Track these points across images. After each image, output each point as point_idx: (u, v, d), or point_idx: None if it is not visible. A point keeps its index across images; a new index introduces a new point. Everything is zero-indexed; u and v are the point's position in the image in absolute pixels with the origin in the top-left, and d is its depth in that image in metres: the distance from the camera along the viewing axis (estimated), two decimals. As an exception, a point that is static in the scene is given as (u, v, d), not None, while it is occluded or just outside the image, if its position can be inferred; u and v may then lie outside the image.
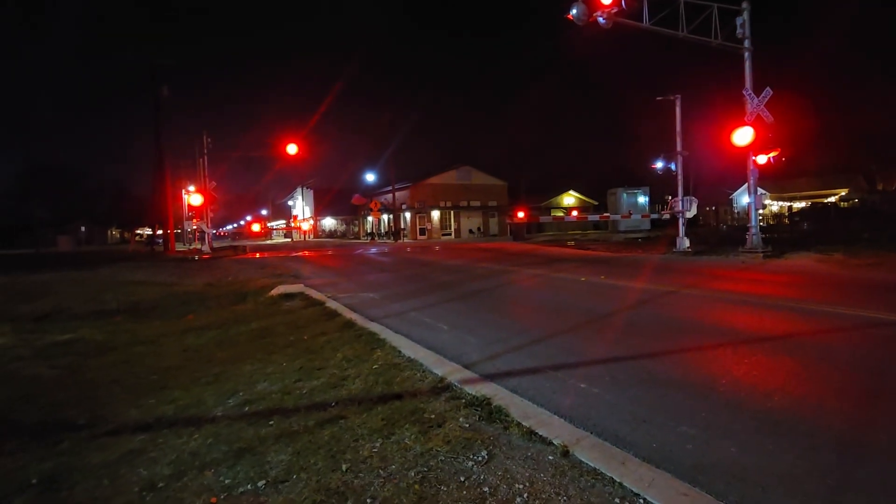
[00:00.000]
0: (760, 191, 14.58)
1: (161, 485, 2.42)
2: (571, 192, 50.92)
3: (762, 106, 13.34)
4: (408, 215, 43.60)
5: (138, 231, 61.28)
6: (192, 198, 24.33)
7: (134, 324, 6.95)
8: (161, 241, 30.60)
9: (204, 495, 2.30)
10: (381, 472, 2.41)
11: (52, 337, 6.03)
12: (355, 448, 2.66)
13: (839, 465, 2.41)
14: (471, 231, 43.87)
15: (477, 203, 44.65)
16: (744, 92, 13.81)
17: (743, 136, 13.26)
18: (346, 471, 2.43)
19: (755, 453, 2.54)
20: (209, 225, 26.84)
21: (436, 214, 43.27)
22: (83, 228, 58.60)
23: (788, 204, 40.30)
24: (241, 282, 11.48)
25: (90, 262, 20.39)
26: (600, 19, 12.73)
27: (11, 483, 2.51)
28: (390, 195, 41.16)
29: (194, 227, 28.33)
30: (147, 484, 2.44)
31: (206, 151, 26.55)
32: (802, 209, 35.44)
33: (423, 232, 42.71)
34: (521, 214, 25.11)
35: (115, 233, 66.67)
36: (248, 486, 2.35)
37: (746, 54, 14.06)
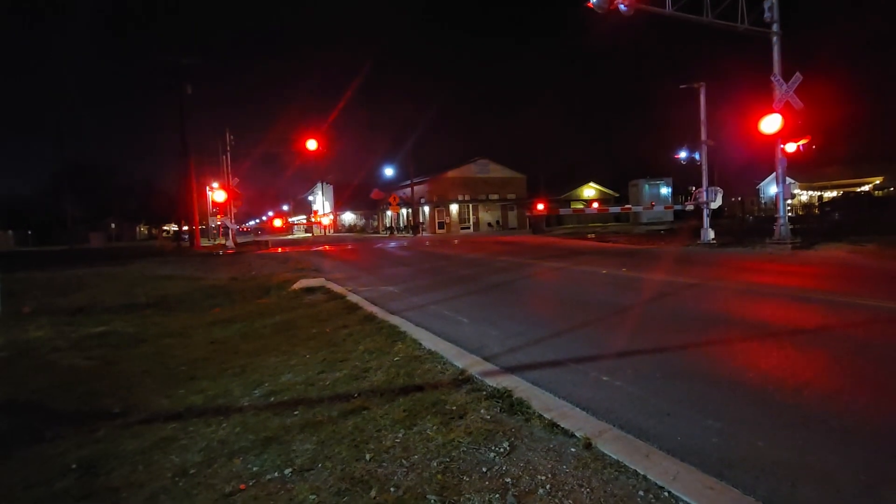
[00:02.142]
0: (789, 180, 14.11)
1: (192, 471, 2.51)
2: (592, 183, 50.18)
3: (791, 92, 12.89)
4: (426, 209, 43.65)
5: (165, 227, 62.96)
6: (216, 194, 24.85)
7: (163, 317, 7.17)
8: (187, 236, 31.36)
9: (233, 482, 2.37)
10: (404, 461, 2.44)
11: (87, 329, 6.26)
12: (378, 438, 2.70)
13: (873, 460, 2.34)
14: (489, 224, 43.69)
15: (495, 196, 44.40)
16: (772, 78, 13.36)
17: (771, 123, 12.86)
18: (370, 460, 2.47)
19: (784, 448, 2.49)
20: (233, 221, 27.37)
21: (454, 208, 43.20)
22: (113, 225, 60.47)
23: (819, 193, 38.97)
24: (264, 276, 11.69)
25: (120, 257, 21.06)
26: (621, 6, 12.42)
27: (53, 468, 2.63)
28: (409, 189, 41.29)
29: (219, 223, 28.94)
30: (179, 470, 2.52)
31: (228, 149, 27.04)
32: (834, 199, 34.21)
33: (441, 226, 42.72)
34: (540, 207, 24.87)
35: (144, 229, 68.57)
36: (276, 474, 2.41)
37: (775, 39, 13.59)
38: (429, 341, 4.68)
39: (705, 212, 16.51)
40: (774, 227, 13.92)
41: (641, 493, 2.09)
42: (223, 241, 29.30)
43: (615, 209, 27.38)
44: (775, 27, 13.59)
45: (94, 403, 3.65)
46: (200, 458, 2.65)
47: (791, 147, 13.18)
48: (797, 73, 12.97)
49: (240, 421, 3.11)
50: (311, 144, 24.13)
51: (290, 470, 2.44)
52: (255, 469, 2.48)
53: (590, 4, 12.27)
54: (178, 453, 2.73)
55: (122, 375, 4.34)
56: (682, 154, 18.64)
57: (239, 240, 31.83)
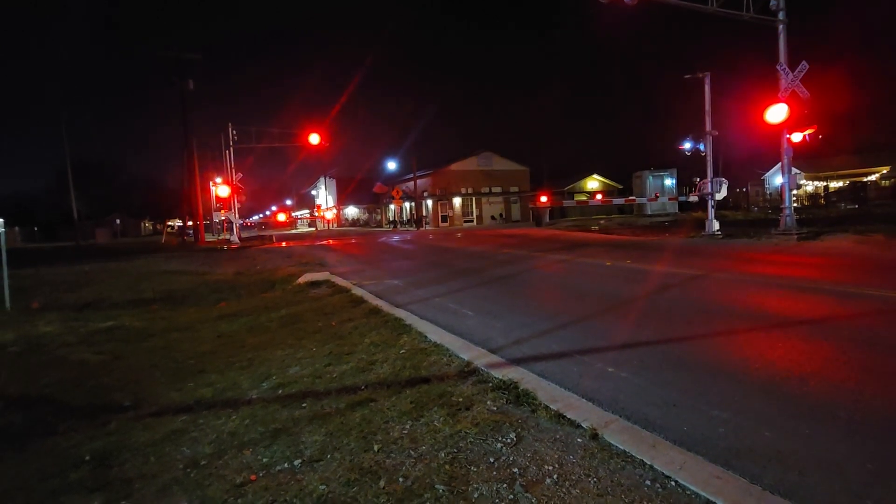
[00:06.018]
0: (794, 170, 14.00)
1: (203, 462, 2.54)
2: (595, 175, 49.88)
3: (798, 81, 12.76)
4: (429, 203, 43.61)
5: (170, 222, 63.20)
6: (220, 189, 24.97)
7: (170, 311, 7.22)
8: (191, 231, 31.47)
9: (244, 472, 2.40)
10: (411, 452, 2.46)
11: (95, 324, 6.32)
12: (386, 429, 2.73)
13: (880, 450, 2.34)
14: (493, 217, 43.63)
15: (498, 189, 44.32)
16: (778, 67, 13.22)
17: (777, 113, 12.75)
18: (378, 451, 2.49)
19: (791, 438, 2.49)
20: (237, 216, 27.44)
21: (457, 201, 43.15)
22: (118, 221, 60.76)
23: (825, 183, 38.64)
24: (269, 270, 11.75)
25: (126, 253, 21.19)
26: (625, -4, 12.27)
27: (67, 460, 2.68)
28: (412, 183, 41.20)
29: (223, 218, 29.01)
30: (190, 462, 2.56)
31: (231, 143, 27.03)
32: (840, 188, 33.95)
33: (444, 219, 42.69)
34: (543, 199, 24.82)
35: (148, 224, 68.91)
36: (285, 465, 2.44)
37: (781, 27, 13.42)
38: (434, 334, 4.70)
39: (710, 203, 16.41)
40: (780, 218, 13.84)
41: (648, 482, 2.10)
42: (227, 236, 29.39)
43: (619, 201, 27.28)
44: (781, 15, 13.42)
45: (105, 397, 3.69)
46: (211, 449, 2.68)
47: (797, 137, 13.08)
48: (803, 62, 12.82)
49: (249, 413, 3.15)
50: (314, 138, 24.29)
51: (299, 461, 2.47)
52: (265, 460, 2.51)
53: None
54: (189, 445, 2.76)
55: (131, 369, 4.38)
56: (687, 145, 18.48)
57: (243, 234, 31.92)
